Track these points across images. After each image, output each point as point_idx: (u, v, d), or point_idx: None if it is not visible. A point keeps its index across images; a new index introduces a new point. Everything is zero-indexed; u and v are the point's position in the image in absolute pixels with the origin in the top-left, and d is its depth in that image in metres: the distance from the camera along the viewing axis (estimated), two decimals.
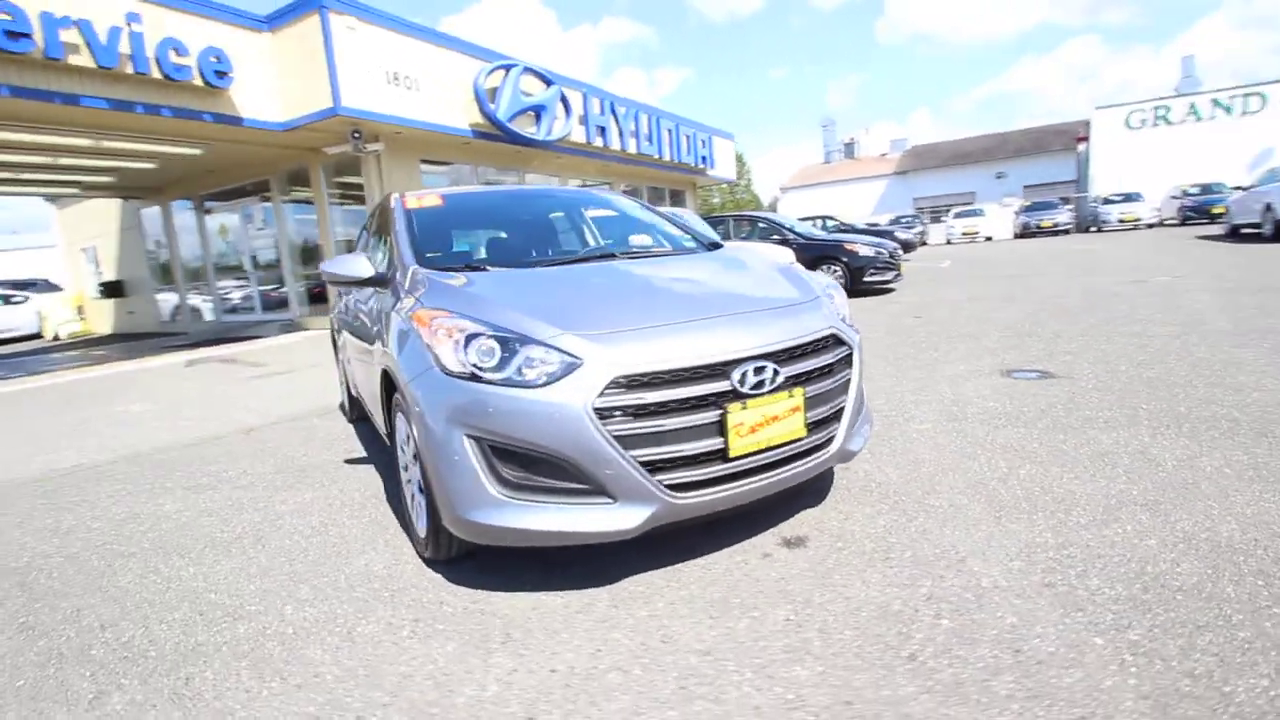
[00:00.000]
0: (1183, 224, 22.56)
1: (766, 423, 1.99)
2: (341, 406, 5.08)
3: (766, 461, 2.03)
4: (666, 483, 1.89)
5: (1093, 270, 10.48)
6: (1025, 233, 25.71)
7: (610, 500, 1.87)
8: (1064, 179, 33.91)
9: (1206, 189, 22.52)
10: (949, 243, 26.59)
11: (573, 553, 2.25)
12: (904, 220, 27.86)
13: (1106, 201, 24.61)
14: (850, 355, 2.30)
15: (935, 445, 3.10)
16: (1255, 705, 1.36)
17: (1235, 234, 14.90)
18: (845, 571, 2.03)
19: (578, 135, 13.15)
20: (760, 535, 2.32)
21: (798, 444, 2.10)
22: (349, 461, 3.79)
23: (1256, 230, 13.57)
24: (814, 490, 2.64)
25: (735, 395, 1.95)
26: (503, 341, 1.97)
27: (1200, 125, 25.26)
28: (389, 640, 1.87)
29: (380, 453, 3.85)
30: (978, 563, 2.01)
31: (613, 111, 14.09)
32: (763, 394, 1.99)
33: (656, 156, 15.96)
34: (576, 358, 1.89)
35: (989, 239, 26.00)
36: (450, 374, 1.97)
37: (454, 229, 3.11)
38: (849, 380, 2.28)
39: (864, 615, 1.79)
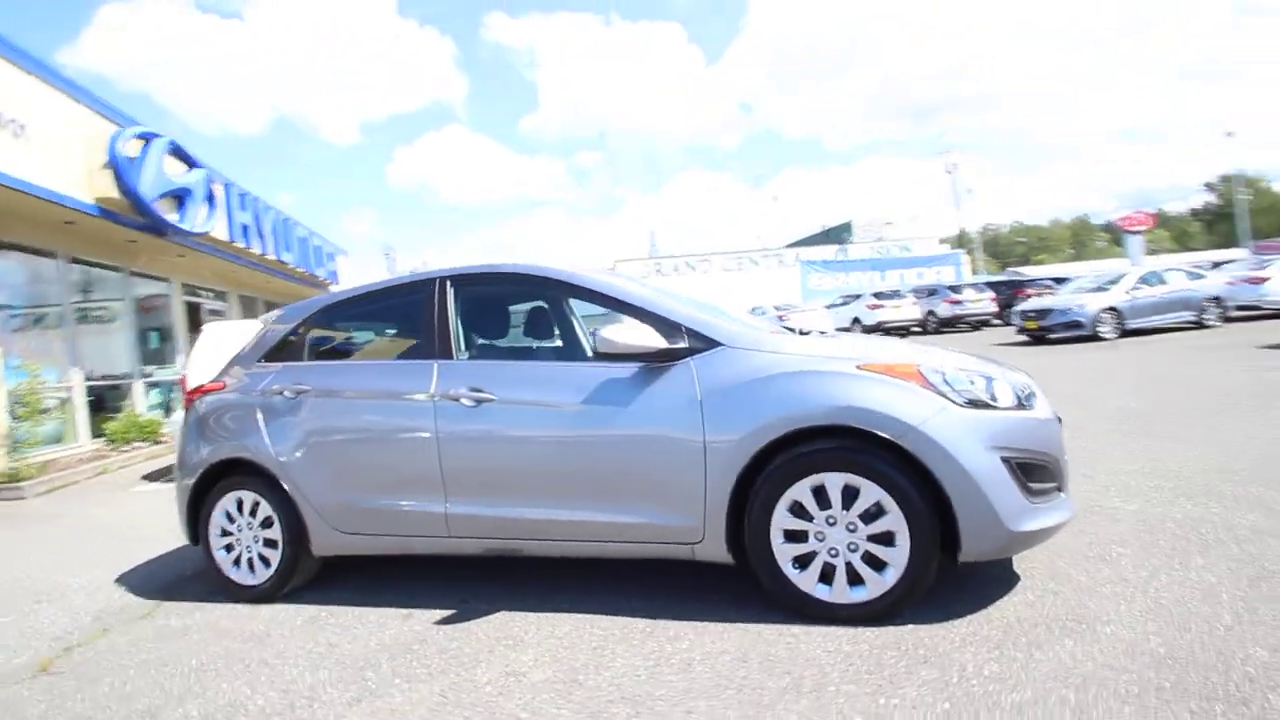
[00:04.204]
0: None
1: None
2: (222, 580, 3.27)
3: None
4: None
5: None
6: None
7: (1061, 492, 2.43)
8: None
9: None
10: None
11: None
12: None
13: None
14: None
15: None
16: None
17: None
18: (1111, 498, 3.00)
19: (220, 231, 10.75)
20: None
21: None
22: (444, 623, 2.73)
23: None
24: None
25: None
26: (982, 376, 2.36)
27: (692, 274, 36.10)
28: (983, 692, 1.89)
29: (485, 600, 2.95)
30: (1128, 507, 3.23)
31: (255, 210, 12.02)
32: None
33: (293, 267, 14.03)
34: (1026, 384, 2.46)
35: None
36: (969, 409, 2.24)
37: None
38: None
39: (1188, 526, 2.82)
